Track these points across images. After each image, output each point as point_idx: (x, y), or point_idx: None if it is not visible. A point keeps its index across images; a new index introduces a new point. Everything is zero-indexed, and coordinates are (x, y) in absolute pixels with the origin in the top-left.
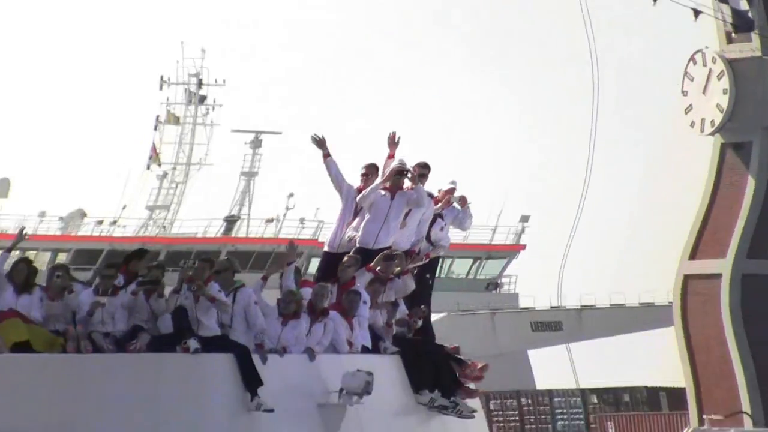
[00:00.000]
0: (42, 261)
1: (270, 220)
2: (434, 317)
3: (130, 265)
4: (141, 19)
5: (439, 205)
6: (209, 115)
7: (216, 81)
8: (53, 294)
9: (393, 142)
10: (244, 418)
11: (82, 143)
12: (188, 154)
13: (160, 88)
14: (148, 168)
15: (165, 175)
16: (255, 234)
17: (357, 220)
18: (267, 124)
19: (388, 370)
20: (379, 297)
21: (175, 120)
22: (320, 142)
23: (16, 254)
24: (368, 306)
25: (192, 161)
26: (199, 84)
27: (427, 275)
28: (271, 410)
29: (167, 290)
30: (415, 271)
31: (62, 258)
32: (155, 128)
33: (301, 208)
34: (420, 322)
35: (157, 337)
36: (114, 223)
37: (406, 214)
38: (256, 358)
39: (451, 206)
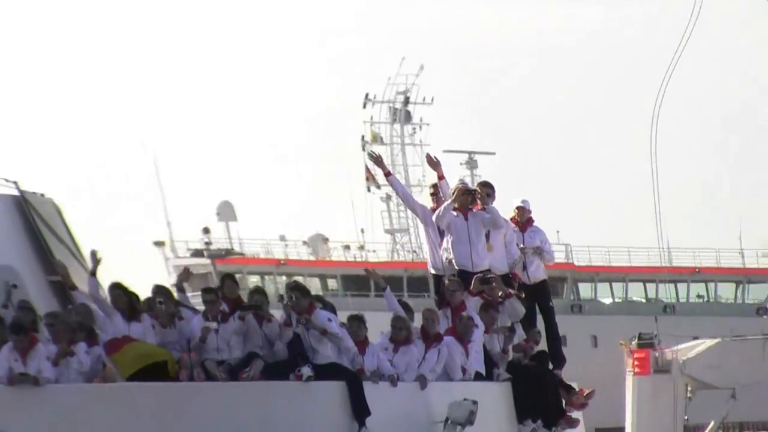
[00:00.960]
0: (313, 287)
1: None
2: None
3: (225, 290)
4: (347, 37)
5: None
6: (416, 135)
7: (424, 99)
8: (163, 321)
9: (434, 162)
10: None
11: (292, 164)
12: (404, 176)
13: (364, 107)
14: (369, 190)
15: (389, 197)
16: None
17: (444, 240)
18: (478, 144)
19: (497, 398)
20: (495, 323)
21: (379, 140)
22: (378, 161)
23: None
24: (481, 331)
25: (411, 183)
26: (406, 102)
27: (541, 298)
28: None
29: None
30: (523, 295)
31: (333, 284)
32: (363, 148)
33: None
34: (536, 347)
35: (271, 364)
36: (361, 248)
37: (487, 236)
38: (367, 385)
39: (535, 227)
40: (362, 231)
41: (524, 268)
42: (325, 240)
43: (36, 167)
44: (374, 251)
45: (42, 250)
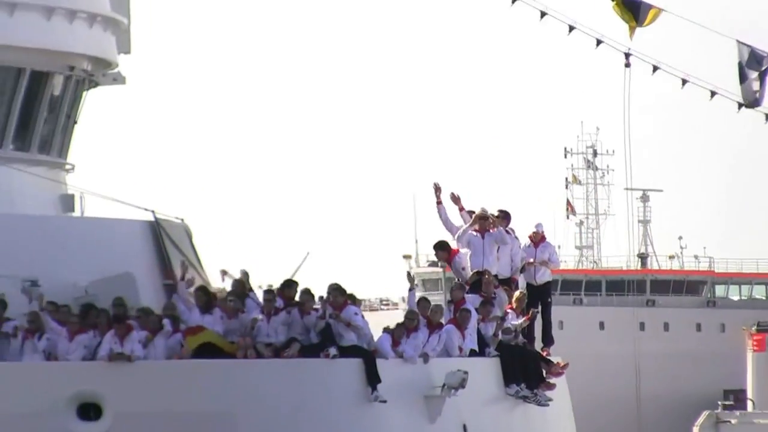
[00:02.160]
0: None
1: (672, 257)
2: None
3: (285, 292)
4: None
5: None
6: (605, 177)
7: (607, 151)
8: (230, 314)
9: (456, 199)
10: (365, 408)
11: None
12: (595, 207)
13: (565, 156)
14: (567, 218)
15: (581, 223)
16: (663, 266)
17: (465, 253)
18: (653, 182)
19: (487, 369)
20: (489, 314)
21: (577, 181)
22: (436, 189)
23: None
24: (475, 319)
25: (599, 212)
26: (594, 153)
27: (542, 295)
28: (385, 401)
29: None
30: (525, 292)
31: None
32: (566, 187)
33: (693, 247)
34: (528, 322)
35: (307, 346)
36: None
37: (498, 249)
38: (380, 361)
39: (546, 243)
40: (559, 247)
41: (534, 273)
42: None
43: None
44: (564, 261)
45: (163, 261)
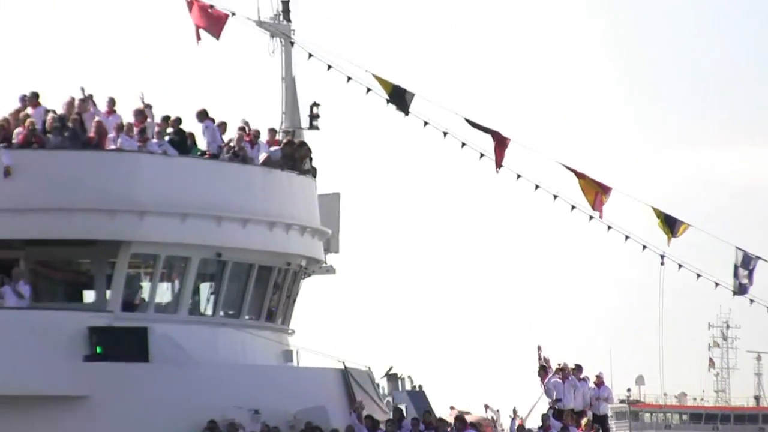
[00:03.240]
0: None
1: None
2: None
3: (425, 417)
4: None
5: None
6: (734, 342)
7: (736, 325)
8: None
9: (542, 359)
10: None
11: None
12: (727, 363)
13: (708, 328)
14: (708, 370)
15: (717, 374)
16: None
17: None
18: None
19: None
20: None
21: (716, 344)
22: (543, 367)
23: None
24: None
25: (729, 366)
26: (727, 326)
27: (603, 421)
28: None
29: None
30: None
31: None
32: (708, 349)
33: None
34: None
35: None
36: None
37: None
38: None
39: (605, 386)
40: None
41: (598, 407)
42: None
43: None
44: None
45: (350, 397)
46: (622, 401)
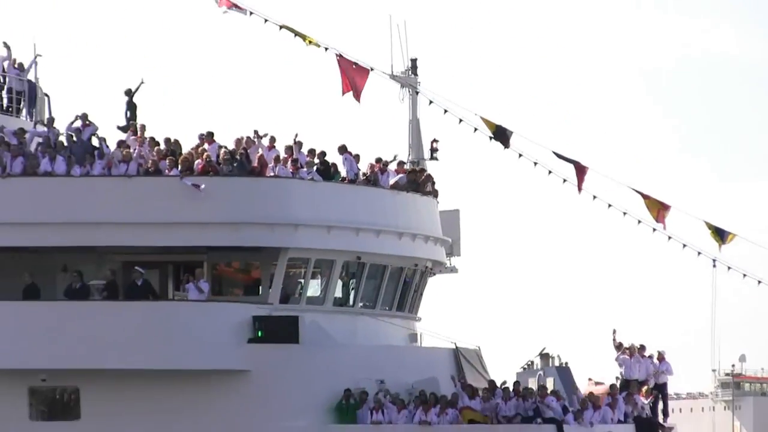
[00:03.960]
0: None
1: None
2: None
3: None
4: None
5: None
6: None
7: None
8: (484, 399)
9: (615, 341)
10: None
11: None
12: None
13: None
14: None
15: None
16: None
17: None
18: None
19: (625, 430)
20: (632, 402)
21: None
22: (618, 346)
23: None
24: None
25: None
26: None
27: (661, 389)
28: None
29: None
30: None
31: None
32: None
33: None
34: (649, 401)
35: (525, 417)
36: None
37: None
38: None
39: (665, 361)
40: None
41: (657, 377)
42: None
43: None
44: None
45: (460, 369)
46: (727, 374)
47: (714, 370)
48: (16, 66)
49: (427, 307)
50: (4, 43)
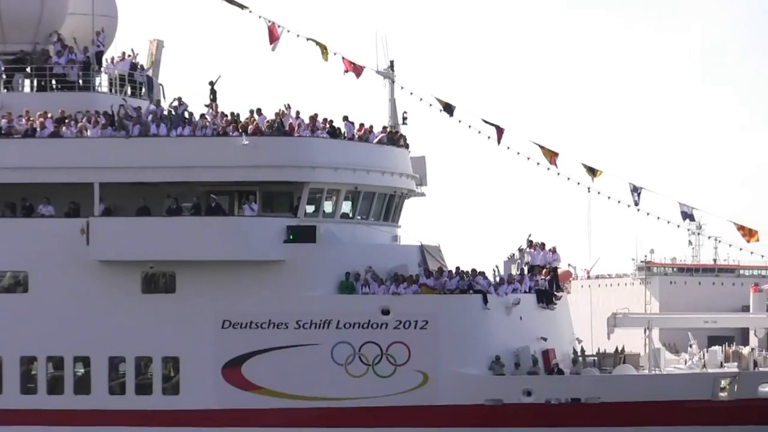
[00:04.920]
0: None
1: None
2: None
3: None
4: None
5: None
6: None
7: None
8: (435, 279)
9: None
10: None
11: None
12: None
13: None
14: None
15: None
16: None
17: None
18: None
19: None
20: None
21: None
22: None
23: None
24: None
25: None
26: None
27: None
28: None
29: None
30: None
31: None
32: None
33: None
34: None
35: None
36: None
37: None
38: None
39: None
40: None
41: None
42: None
43: None
44: None
45: (424, 259)
46: (641, 261)
47: (633, 259)
48: (139, 66)
49: (407, 218)
50: (132, 50)
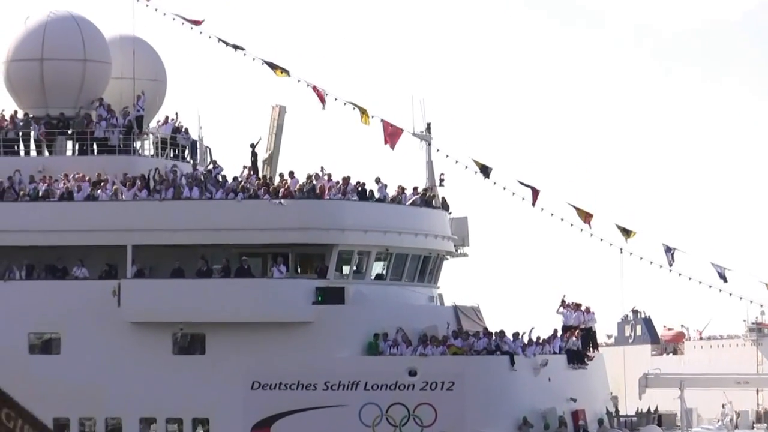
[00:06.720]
0: None
1: None
2: None
3: None
4: None
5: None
6: None
7: None
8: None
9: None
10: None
11: None
12: None
13: None
14: None
15: None
16: None
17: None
18: None
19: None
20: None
21: None
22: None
23: None
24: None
25: None
26: None
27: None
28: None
29: None
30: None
31: None
32: None
33: None
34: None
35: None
36: None
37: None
38: None
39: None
40: None
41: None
42: None
43: None
44: None
45: (458, 320)
46: (753, 323)
47: (744, 320)
48: (182, 130)
49: (448, 279)
50: (176, 113)
